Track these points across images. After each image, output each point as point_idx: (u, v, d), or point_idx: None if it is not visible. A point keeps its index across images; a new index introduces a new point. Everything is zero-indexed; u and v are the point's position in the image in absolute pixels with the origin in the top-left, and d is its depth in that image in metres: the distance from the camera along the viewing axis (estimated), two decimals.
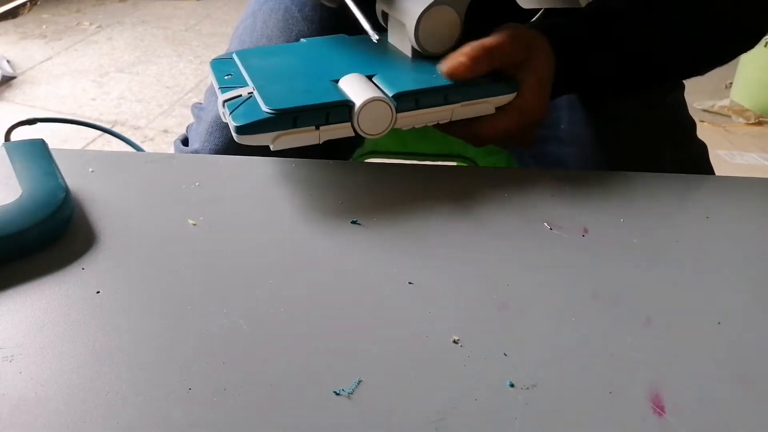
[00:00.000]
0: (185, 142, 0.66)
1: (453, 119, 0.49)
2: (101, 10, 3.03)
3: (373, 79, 0.49)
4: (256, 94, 0.46)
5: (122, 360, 0.34)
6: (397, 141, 0.84)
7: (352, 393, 0.32)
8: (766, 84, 2.07)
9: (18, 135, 0.50)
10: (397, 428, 0.31)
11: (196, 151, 0.61)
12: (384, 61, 0.52)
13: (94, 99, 2.20)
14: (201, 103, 0.68)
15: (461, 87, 0.48)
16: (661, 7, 0.54)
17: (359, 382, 0.33)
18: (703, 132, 0.67)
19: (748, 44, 0.57)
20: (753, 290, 0.41)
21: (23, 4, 2.93)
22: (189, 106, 2.16)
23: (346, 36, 0.59)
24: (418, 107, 0.46)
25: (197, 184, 0.49)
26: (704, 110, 2.11)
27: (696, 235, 0.45)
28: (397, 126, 0.47)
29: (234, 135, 0.44)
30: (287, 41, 0.67)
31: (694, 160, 0.62)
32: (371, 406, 0.32)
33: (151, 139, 1.97)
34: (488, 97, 0.48)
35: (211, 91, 0.67)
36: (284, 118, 0.44)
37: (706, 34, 0.55)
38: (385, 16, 0.56)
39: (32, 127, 0.55)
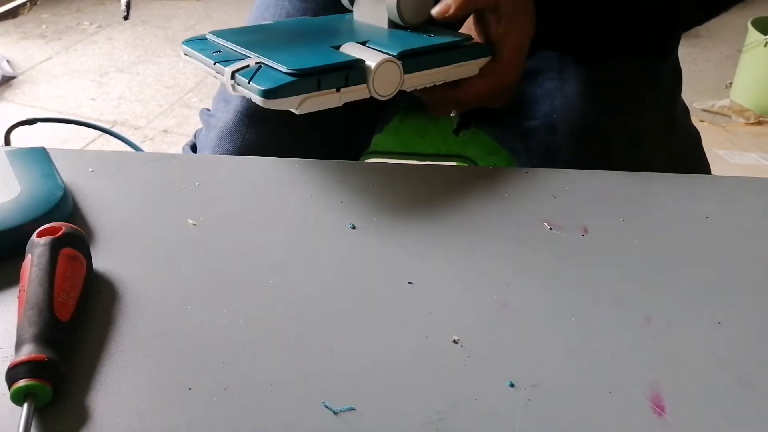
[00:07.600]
0: (194, 148, 0.65)
1: (447, 80, 0.53)
2: (101, 10, 3.03)
3: (367, 44, 0.50)
4: (266, 62, 0.47)
5: (122, 360, 0.34)
6: (397, 141, 0.84)
7: (343, 411, 0.32)
8: (766, 84, 2.07)
9: (18, 135, 0.50)
10: (397, 428, 0.31)
11: None
12: (364, 31, 0.54)
13: (94, 99, 2.20)
14: (209, 110, 0.67)
15: (453, 49, 0.53)
16: None
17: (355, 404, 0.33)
18: (703, 132, 0.67)
19: None
20: (753, 290, 0.41)
21: (23, 4, 2.93)
22: (189, 106, 2.16)
23: (309, 18, 0.63)
24: (419, 69, 0.50)
25: (197, 184, 0.49)
26: (704, 110, 2.11)
27: (696, 235, 0.45)
28: (402, 87, 0.50)
29: (259, 100, 0.45)
30: None
31: (685, 144, 0.63)
32: (372, 406, 0.32)
33: (151, 139, 1.97)
34: (475, 58, 0.54)
35: (220, 98, 0.66)
36: (309, 80, 0.45)
37: None
38: None
39: (32, 127, 0.55)
